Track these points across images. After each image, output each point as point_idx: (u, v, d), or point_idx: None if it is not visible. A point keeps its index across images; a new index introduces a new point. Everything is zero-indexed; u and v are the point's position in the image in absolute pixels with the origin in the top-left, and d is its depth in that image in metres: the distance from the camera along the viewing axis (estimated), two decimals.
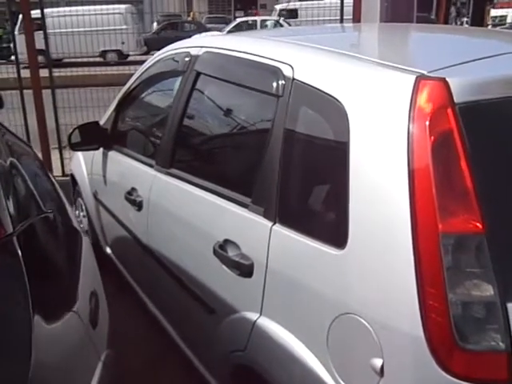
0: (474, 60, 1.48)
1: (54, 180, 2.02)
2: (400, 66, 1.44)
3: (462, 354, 1.17)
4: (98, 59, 11.49)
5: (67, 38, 8.18)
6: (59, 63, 8.56)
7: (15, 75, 5.14)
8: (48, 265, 1.44)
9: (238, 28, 15.74)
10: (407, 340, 1.23)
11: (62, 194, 1.91)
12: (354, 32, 2.46)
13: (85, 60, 9.57)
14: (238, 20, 17.25)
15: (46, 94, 5.28)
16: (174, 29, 17.95)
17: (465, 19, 19.35)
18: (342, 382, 1.37)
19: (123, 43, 12.43)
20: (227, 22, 17.61)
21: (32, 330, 1.06)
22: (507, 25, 17.87)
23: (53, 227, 1.63)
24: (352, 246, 1.37)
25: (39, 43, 5.17)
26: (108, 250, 3.34)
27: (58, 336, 1.23)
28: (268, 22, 15.86)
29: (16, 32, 8.90)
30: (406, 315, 1.23)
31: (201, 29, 16.46)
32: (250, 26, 16.23)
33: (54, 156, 5.26)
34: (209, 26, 19.11)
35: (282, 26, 13.80)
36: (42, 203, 1.61)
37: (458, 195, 1.23)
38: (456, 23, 18.09)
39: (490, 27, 17.02)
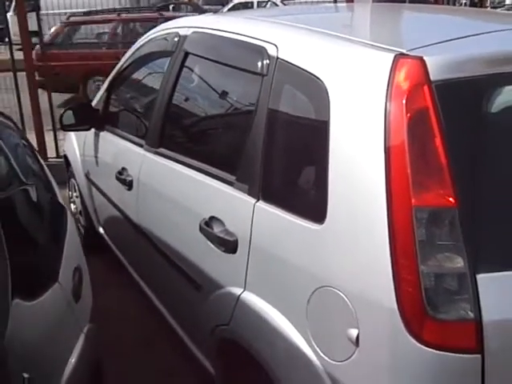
0: (453, 39, 1.51)
1: (39, 158, 2.04)
2: (380, 45, 1.46)
3: (433, 324, 1.21)
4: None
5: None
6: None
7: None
8: (28, 236, 1.48)
9: (235, 9, 15.59)
10: (381, 311, 1.27)
11: (47, 172, 1.94)
12: (340, 12, 2.47)
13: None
14: (235, 1, 17.09)
15: None
16: (169, 10, 17.75)
17: (464, 1, 19.18)
18: (320, 351, 1.42)
19: None
20: (224, 4, 17.44)
21: (9, 300, 1.09)
22: (506, 6, 17.72)
23: (34, 201, 1.66)
24: (330, 220, 1.40)
25: (33, 24, 5.16)
26: (101, 230, 3.38)
27: (39, 307, 1.27)
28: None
29: (11, 13, 8.84)
30: (380, 287, 1.27)
31: (197, 10, 16.30)
32: (247, 8, 16.07)
33: (49, 137, 5.27)
34: (205, 7, 18.91)
35: (277, 5, 13.72)
36: (23, 177, 1.64)
37: (432, 171, 1.26)
38: (455, 5, 17.91)
39: (489, 8, 16.88)
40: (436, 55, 1.37)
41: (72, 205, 3.98)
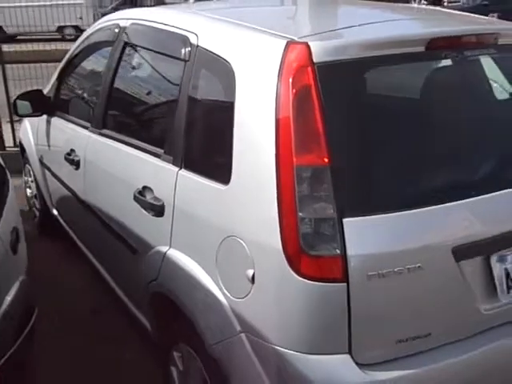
0: (341, 28, 1.79)
1: None
2: (278, 33, 1.72)
3: (308, 259, 1.48)
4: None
5: (21, 12, 8.21)
6: (19, 38, 8.59)
7: None
8: None
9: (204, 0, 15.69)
10: (270, 252, 1.53)
11: None
12: (260, 6, 2.72)
13: (41, 36, 9.59)
14: None
15: None
16: (133, 4, 17.77)
17: None
18: (226, 292, 1.68)
19: (81, 18, 12.38)
20: None
21: None
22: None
23: None
24: (234, 181, 1.67)
25: None
26: (54, 212, 3.57)
27: None
28: None
29: None
30: (269, 233, 1.53)
31: (160, 3, 16.37)
32: None
33: (6, 128, 5.41)
34: (168, 0, 18.97)
35: None
36: None
37: (311, 137, 1.52)
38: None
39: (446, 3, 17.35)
40: (320, 41, 1.64)
41: (28, 189, 4.15)
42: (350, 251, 1.47)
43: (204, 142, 1.89)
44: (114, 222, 2.41)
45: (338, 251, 1.47)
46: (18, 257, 1.81)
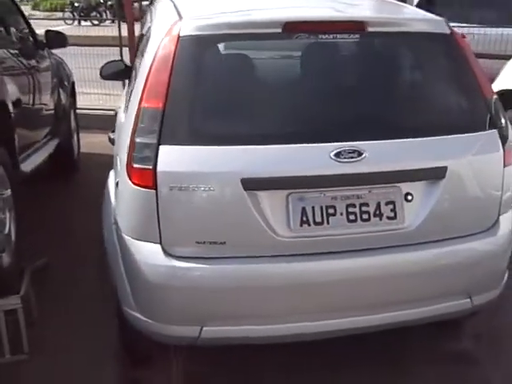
0: (223, 13, 2.35)
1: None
2: (184, 15, 2.33)
3: (135, 171, 2.09)
4: None
5: None
6: None
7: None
8: None
9: None
10: (123, 166, 2.18)
11: None
12: None
13: None
14: None
15: None
16: None
17: None
18: (112, 195, 2.39)
19: None
20: None
21: None
22: None
23: None
24: (126, 115, 2.36)
25: None
26: None
27: None
28: None
29: None
30: (124, 153, 2.17)
31: None
32: None
33: None
34: None
35: None
36: None
37: (156, 89, 2.12)
38: None
39: None
40: (193, 21, 2.21)
41: None
42: (159, 168, 2.05)
43: (129, 91, 2.60)
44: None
45: (151, 167, 2.06)
46: None
